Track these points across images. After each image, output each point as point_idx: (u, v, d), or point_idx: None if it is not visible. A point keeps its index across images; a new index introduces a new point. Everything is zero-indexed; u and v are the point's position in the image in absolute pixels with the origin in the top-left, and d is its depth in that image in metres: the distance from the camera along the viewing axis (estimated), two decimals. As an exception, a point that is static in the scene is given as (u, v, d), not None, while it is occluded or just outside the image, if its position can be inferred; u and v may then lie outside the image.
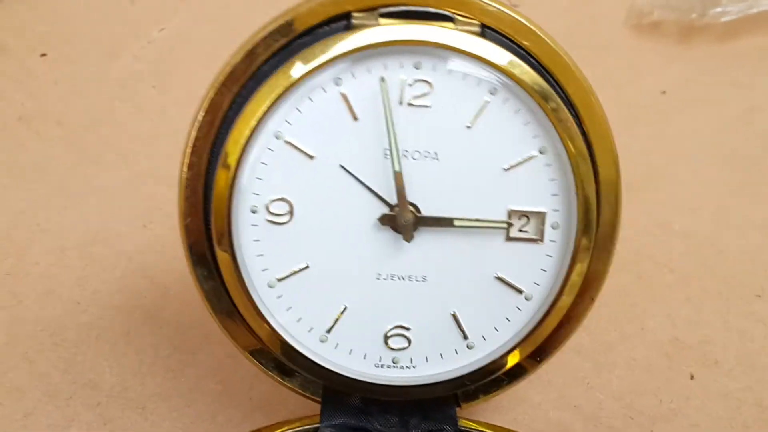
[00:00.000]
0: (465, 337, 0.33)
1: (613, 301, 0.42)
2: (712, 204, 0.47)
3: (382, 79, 0.30)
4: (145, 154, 0.52)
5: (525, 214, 0.32)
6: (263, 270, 0.31)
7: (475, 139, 0.31)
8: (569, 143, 0.31)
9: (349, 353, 0.33)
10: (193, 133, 0.31)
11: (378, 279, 0.32)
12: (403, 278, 0.32)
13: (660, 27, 0.57)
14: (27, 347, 0.40)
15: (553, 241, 0.32)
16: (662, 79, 0.54)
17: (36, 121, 0.54)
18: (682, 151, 0.50)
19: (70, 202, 0.49)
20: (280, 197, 0.31)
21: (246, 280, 0.31)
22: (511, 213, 0.32)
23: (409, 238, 0.31)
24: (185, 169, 0.31)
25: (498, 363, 0.33)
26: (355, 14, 0.30)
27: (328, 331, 0.32)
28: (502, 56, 0.30)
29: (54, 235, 0.46)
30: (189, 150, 0.31)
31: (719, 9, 0.57)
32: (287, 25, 0.30)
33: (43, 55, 0.60)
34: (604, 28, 0.58)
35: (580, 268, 0.32)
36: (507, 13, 0.31)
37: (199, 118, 0.31)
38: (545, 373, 0.39)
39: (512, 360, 0.33)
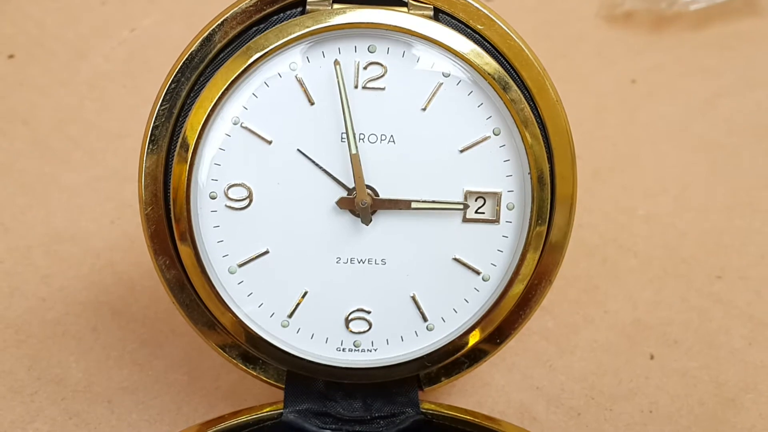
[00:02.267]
0: (425, 319, 0.34)
1: (577, 284, 0.44)
2: (675, 188, 0.49)
3: (337, 63, 0.32)
4: (113, 152, 0.54)
5: (481, 195, 0.33)
6: (224, 256, 0.33)
7: (430, 121, 0.32)
8: (522, 124, 0.32)
9: (311, 337, 0.34)
10: (152, 122, 0.32)
11: (338, 263, 0.33)
12: (363, 261, 0.33)
13: (631, 17, 0.60)
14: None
15: (509, 222, 0.33)
16: (632, 69, 0.56)
17: (1, 121, 0.56)
18: (648, 138, 0.52)
19: (35, 201, 0.50)
20: (238, 182, 0.32)
21: (207, 267, 0.33)
22: (468, 194, 0.33)
23: (367, 221, 0.33)
24: (144, 157, 0.32)
25: (457, 344, 0.34)
26: (309, 0, 0.32)
27: (290, 315, 0.34)
28: (454, 39, 0.32)
29: (19, 234, 0.47)
30: (147, 139, 0.32)
31: (688, -2, 0.59)
32: (243, 12, 0.32)
33: (11, 56, 0.61)
34: (576, 19, 0.60)
35: (536, 248, 0.33)
36: (458, -3, 0.32)
37: (157, 106, 0.32)
38: (510, 356, 0.40)
39: (472, 340, 0.34)
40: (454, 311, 0.34)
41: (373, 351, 0.34)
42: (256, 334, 0.34)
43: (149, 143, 0.32)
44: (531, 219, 0.33)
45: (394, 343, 0.34)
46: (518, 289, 0.34)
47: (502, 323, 0.34)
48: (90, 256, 0.46)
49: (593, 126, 0.52)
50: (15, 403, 0.39)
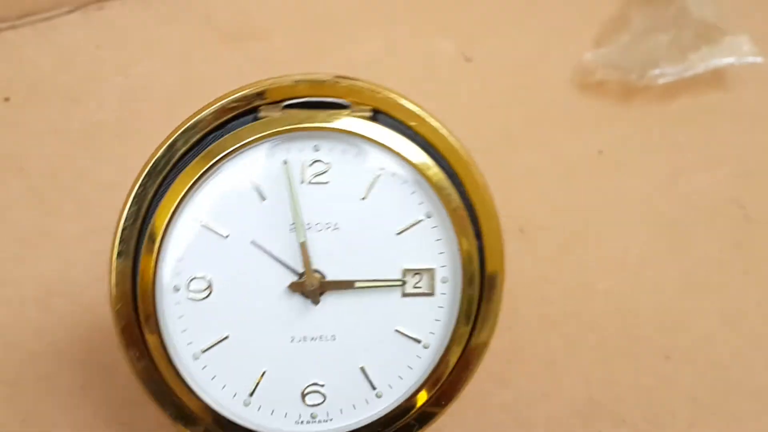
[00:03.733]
0: (373, 388, 0.39)
1: (537, 358, 0.47)
2: (634, 264, 0.52)
3: (285, 162, 0.37)
4: (104, 204, 0.56)
5: (417, 272, 0.38)
6: (188, 344, 0.38)
7: (369, 209, 0.38)
8: (449, 208, 0.38)
9: (271, 413, 0.39)
10: (122, 223, 0.37)
11: (292, 342, 0.38)
12: (315, 339, 0.38)
13: (603, 86, 0.63)
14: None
15: (444, 294, 0.39)
16: (600, 139, 0.60)
17: (-2, 166, 0.58)
18: (611, 212, 0.55)
19: (29, 252, 0.52)
20: (199, 275, 0.37)
21: (173, 356, 0.37)
22: (405, 271, 0.38)
23: (316, 301, 0.38)
24: (114, 257, 0.37)
25: (405, 407, 0.39)
26: (261, 107, 0.37)
27: (251, 394, 0.38)
28: (389, 137, 0.38)
29: (13, 285, 0.50)
30: (117, 239, 0.37)
31: (658, 71, 0.63)
32: (202, 121, 0.37)
33: (7, 99, 0.63)
34: (550, 85, 0.64)
35: (468, 315, 0.38)
36: (395, 99, 0.38)
37: (126, 208, 0.37)
38: (471, 428, 0.44)
39: (419, 403, 0.39)
40: (400, 378, 0.39)
41: (329, 421, 0.39)
42: (221, 415, 0.38)
43: (119, 243, 0.37)
44: (462, 290, 0.38)
45: (347, 412, 0.39)
46: (455, 354, 0.39)
47: (445, 387, 0.39)
48: (80, 311, 0.49)
49: (560, 195, 0.55)
50: (5, 459, 0.42)
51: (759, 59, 0.62)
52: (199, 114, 0.37)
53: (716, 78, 0.63)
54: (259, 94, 0.37)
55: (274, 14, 0.67)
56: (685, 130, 0.60)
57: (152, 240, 0.36)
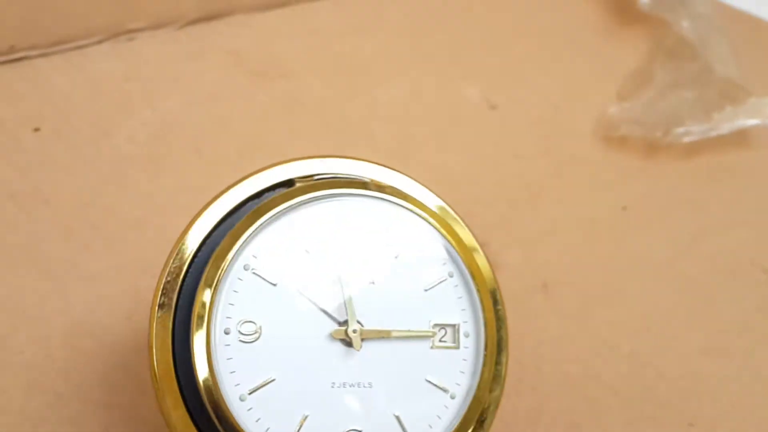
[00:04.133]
0: None
1: (561, 420, 0.47)
2: (657, 326, 0.53)
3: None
4: (131, 242, 0.57)
5: (443, 326, 0.42)
6: (236, 385, 0.39)
7: (401, 267, 0.42)
8: (469, 270, 0.42)
9: None
10: (164, 278, 0.40)
11: (332, 387, 0.40)
12: (353, 385, 0.40)
13: (627, 142, 0.64)
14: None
15: (467, 348, 0.42)
16: (624, 195, 0.60)
17: (26, 199, 0.58)
18: (635, 271, 0.56)
19: (56, 288, 0.53)
20: (249, 320, 0.40)
21: (223, 395, 0.39)
22: (434, 326, 0.42)
23: (358, 347, 0.40)
24: (156, 309, 0.40)
25: None
26: (296, 179, 0.42)
27: None
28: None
29: (39, 323, 0.50)
30: (159, 292, 0.40)
31: (683, 129, 0.64)
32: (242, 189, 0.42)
33: (37, 129, 0.64)
34: (574, 137, 0.64)
35: (489, 370, 0.42)
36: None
37: (171, 263, 0.40)
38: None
39: None
40: (430, 427, 0.41)
41: None
42: None
43: (162, 296, 0.40)
44: (485, 345, 0.41)
45: None
46: (478, 402, 0.41)
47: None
48: (106, 353, 0.50)
49: (583, 253, 0.56)
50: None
51: (783, 121, 0.63)
52: (240, 182, 0.42)
53: (740, 138, 0.64)
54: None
55: (303, 55, 0.68)
56: (709, 189, 0.61)
57: (209, 285, 0.39)
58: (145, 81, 0.68)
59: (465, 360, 0.41)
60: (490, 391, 0.42)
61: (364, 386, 0.40)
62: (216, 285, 0.39)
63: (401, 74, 0.67)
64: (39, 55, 0.68)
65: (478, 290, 0.42)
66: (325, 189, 0.41)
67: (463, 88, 0.68)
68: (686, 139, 0.63)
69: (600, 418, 0.46)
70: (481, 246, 0.43)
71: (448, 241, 0.42)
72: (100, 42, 0.70)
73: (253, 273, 0.40)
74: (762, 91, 0.64)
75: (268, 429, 0.39)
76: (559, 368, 0.48)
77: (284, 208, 0.41)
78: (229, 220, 0.41)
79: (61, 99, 0.66)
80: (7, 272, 0.53)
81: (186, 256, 0.40)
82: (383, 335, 0.41)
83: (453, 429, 0.41)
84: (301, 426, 0.39)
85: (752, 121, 0.62)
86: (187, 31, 0.68)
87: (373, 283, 0.41)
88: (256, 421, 0.39)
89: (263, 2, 0.70)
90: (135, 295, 0.53)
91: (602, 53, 0.70)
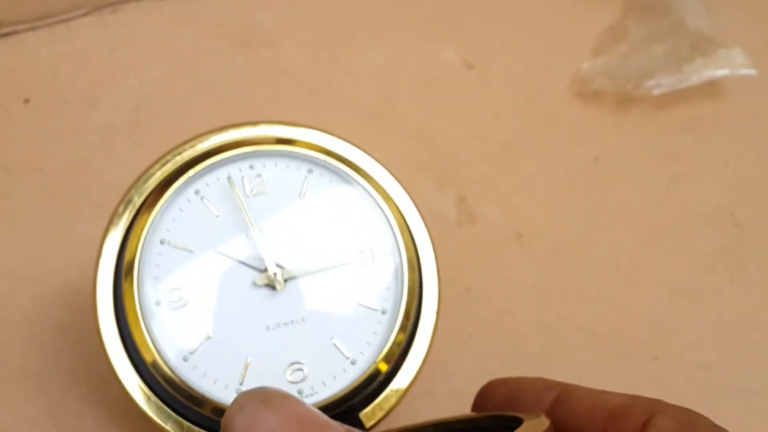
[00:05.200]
0: (347, 357, 0.43)
1: (535, 362, 0.50)
2: (627, 271, 0.55)
3: (229, 178, 0.44)
4: (118, 206, 0.59)
5: (361, 251, 0.44)
6: (177, 349, 0.42)
7: (306, 205, 0.45)
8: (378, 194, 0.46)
9: None
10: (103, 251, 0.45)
11: (268, 330, 0.43)
12: (287, 324, 0.43)
13: (600, 96, 0.65)
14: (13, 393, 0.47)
15: (387, 265, 0.44)
16: (597, 148, 0.62)
17: (19, 168, 0.61)
18: (607, 219, 0.58)
19: (50, 251, 0.55)
20: (175, 287, 0.43)
21: (166, 360, 0.42)
22: (352, 252, 0.44)
23: (281, 287, 0.43)
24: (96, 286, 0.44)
25: (376, 370, 0.44)
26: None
27: (240, 383, 0.43)
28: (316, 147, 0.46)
29: (35, 284, 0.53)
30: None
31: (653, 81, 0.65)
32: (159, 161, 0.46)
33: (27, 101, 0.66)
34: (549, 94, 0.66)
35: (412, 280, 0.44)
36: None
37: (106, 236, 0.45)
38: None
39: (383, 367, 0.44)
40: (368, 344, 0.44)
41: (315, 394, 0.43)
42: (218, 404, 0.42)
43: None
44: (406, 261, 0.44)
45: (329, 383, 0.43)
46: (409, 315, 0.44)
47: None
48: (98, 309, 0.52)
49: (557, 204, 0.58)
50: (37, 449, 0.45)
51: (752, 71, 0.65)
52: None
53: (710, 89, 0.66)
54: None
55: (285, 23, 0.70)
56: (680, 139, 0.63)
57: (131, 264, 0.42)
58: (130, 51, 0.70)
59: (387, 277, 0.43)
60: (420, 300, 0.44)
61: (298, 322, 0.43)
62: (138, 265, 0.42)
63: (381, 39, 0.69)
64: (27, 29, 0.69)
65: (391, 212, 0.44)
66: (222, 153, 0.44)
67: (441, 50, 0.70)
68: (656, 92, 0.65)
69: (571, 357, 0.49)
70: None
71: (358, 174, 0.44)
72: (85, 14, 0.71)
73: (170, 245, 0.43)
74: (733, 42, 0.66)
75: (216, 381, 0.42)
76: (533, 312, 0.50)
77: (187, 179, 0.43)
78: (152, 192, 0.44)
79: (49, 71, 0.68)
80: (4, 237, 0.55)
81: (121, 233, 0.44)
82: (304, 271, 0.43)
83: (391, 340, 0.43)
84: (246, 370, 0.42)
85: (721, 72, 0.64)
86: (171, 2, 0.70)
87: (286, 225, 0.44)
88: (203, 375, 0.42)
89: (244, -30, 0.71)
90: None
91: (578, 12, 0.72)
